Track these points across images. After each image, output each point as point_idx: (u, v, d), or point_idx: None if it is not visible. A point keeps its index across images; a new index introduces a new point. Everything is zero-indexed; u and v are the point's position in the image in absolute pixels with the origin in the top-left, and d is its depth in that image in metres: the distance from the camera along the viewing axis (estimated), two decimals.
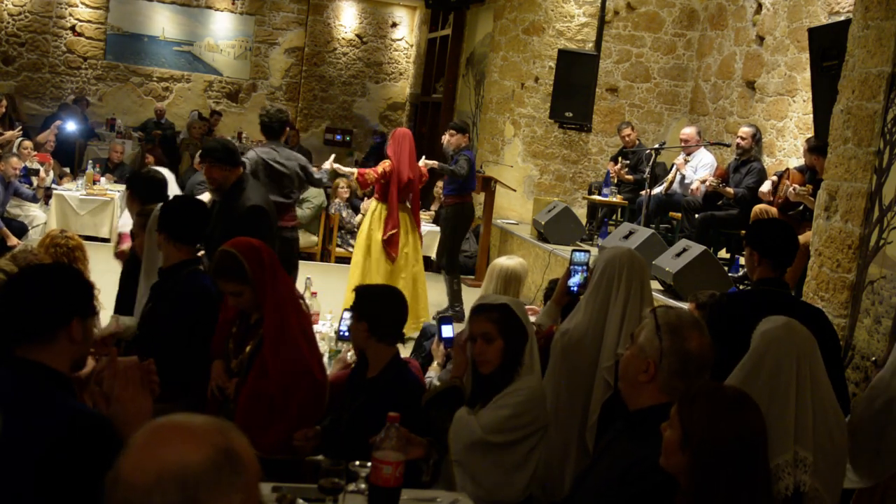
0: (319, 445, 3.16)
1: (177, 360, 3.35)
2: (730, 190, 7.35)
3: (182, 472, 1.15)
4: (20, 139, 10.08)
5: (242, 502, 1.19)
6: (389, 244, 6.98)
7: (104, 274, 5.46)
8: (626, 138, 9.35)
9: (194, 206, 4.05)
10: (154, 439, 1.20)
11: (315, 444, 3.14)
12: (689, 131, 8.56)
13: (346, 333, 4.37)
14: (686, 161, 8.22)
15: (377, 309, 3.16)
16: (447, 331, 4.42)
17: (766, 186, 6.81)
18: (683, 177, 8.12)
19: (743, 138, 7.50)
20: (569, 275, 3.65)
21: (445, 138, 7.86)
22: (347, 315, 4.37)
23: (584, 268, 3.62)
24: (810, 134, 7.27)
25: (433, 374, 4.28)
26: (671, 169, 8.48)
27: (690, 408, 2.04)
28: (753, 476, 2.01)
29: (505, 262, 4.79)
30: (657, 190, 8.18)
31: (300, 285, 4.77)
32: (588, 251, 3.81)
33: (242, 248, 3.31)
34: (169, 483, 1.14)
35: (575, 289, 3.60)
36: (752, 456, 2.02)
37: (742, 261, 6.22)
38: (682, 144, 8.42)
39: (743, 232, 6.38)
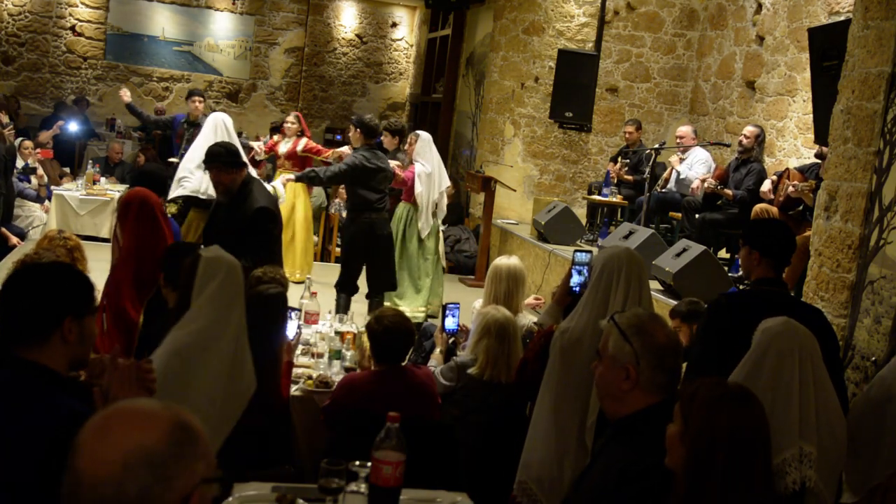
0: None
1: None
2: (728, 192, 7.33)
3: (146, 453, 1.17)
4: (21, 139, 10.06)
5: (205, 468, 1.20)
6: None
7: (104, 274, 5.46)
8: (628, 136, 9.35)
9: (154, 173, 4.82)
10: (104, 431, 1.21)
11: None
12: (685, 129, 8.57)
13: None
14: (681, 160, 8.23)
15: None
16: (450, 321, 4.54)
17: (766, 185, 6.81)
18: (678, 173, 8.13)
19: (746, 137, 7.45)
20: (570, 275, 3.66)
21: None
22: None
23: (586, 268, 3.63)
24: (810, 134, 7.27)
25: (434, 363, 4.37)
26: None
27: (691, 400, 2.06)
28: (751, 470, 2.01)
29: (507, 261, 4.80)
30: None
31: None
32: (590, 251, 3.82)
33: (130, 195, 3.57)
34: (138, 467, 1.16)
35: (577, 289, 3.61)
36: (750, 449, 2.02)
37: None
38: (678, 143, 8.44)
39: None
